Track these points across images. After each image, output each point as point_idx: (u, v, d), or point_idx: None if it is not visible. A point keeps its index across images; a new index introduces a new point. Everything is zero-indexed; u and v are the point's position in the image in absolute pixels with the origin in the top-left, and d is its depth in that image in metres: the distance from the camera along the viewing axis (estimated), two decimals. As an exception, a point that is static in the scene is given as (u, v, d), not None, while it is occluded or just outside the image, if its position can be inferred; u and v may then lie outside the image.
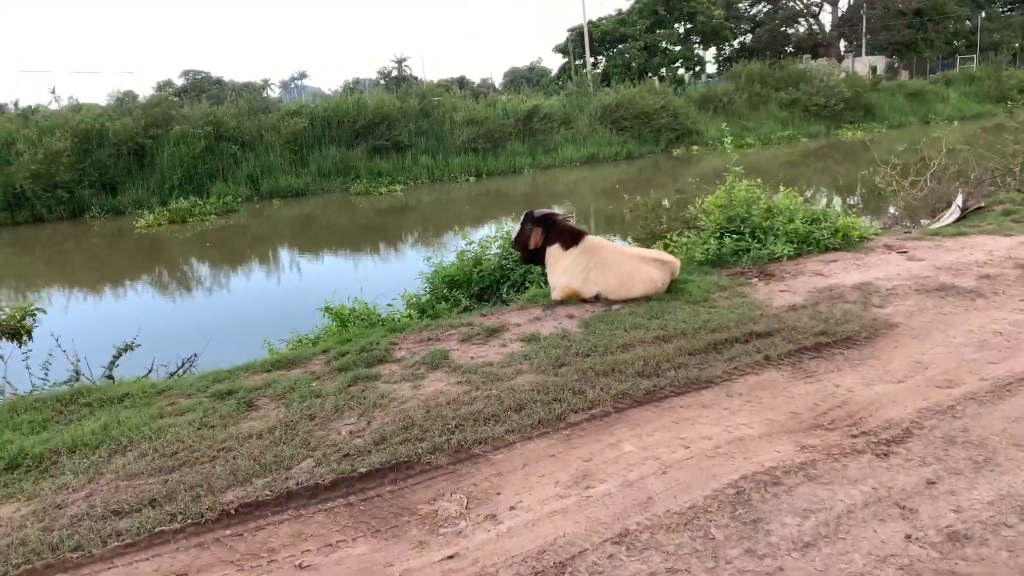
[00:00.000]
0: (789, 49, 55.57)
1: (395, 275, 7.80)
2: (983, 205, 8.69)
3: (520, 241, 6.11)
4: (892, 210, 10.74)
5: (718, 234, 7.00)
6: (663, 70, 44.25)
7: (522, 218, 6.14)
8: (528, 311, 5.72)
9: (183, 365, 6.16)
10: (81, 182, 20.41)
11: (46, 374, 5.54)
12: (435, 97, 27.47)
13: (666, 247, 7.27)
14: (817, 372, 4.09)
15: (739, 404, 3.73)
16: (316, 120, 24.68)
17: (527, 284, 6.78)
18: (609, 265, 5.77)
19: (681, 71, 46.04)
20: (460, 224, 17.91)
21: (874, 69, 45.68)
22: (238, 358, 5.14)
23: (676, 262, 6.02)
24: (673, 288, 5.88)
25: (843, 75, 36.60)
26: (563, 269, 5.85)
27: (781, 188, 7.52)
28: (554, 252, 5.92)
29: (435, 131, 25.92)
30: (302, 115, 24.73)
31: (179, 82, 64.60)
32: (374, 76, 71.37)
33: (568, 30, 47.40)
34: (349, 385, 4.31)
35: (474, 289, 6.96)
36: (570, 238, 5.92)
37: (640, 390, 3.90)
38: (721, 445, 3.28)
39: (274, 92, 78.69)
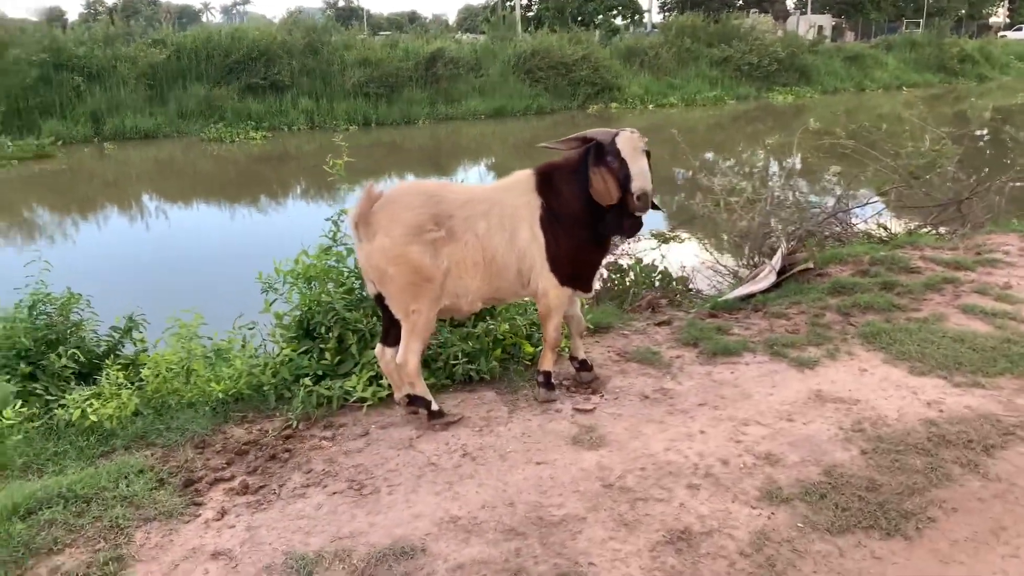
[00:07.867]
0: (738, 2, 53.27)
1: None
2: (811, 266, 5.80)
3: (603, 189, 3.45)
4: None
5: (298, 333, 4.20)
6: (599, 16, 41.49)
7: (584, 143, 3.54)
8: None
9: None
10: None
11: None
12: (326, 35, 24.55)
13: None
14: None
15: None
16: (183, 52, 21.74)
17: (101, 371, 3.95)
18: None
19: (619, 20, 43.27)
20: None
21: (819, 29, 43.41)
22: None
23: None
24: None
25: (780, 33, 34.60)
26: None
27: None
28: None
29: (322, 72, 23.16)
30: (166, 44, 21.75)
31: (110, 0, 58.59)
32: (320, 5, 65.49)
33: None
34: None
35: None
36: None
37: None
38: None
39: (215, 16, 73.03)
